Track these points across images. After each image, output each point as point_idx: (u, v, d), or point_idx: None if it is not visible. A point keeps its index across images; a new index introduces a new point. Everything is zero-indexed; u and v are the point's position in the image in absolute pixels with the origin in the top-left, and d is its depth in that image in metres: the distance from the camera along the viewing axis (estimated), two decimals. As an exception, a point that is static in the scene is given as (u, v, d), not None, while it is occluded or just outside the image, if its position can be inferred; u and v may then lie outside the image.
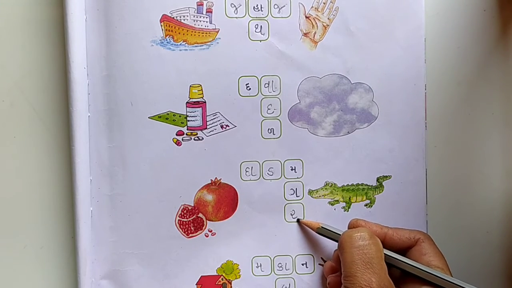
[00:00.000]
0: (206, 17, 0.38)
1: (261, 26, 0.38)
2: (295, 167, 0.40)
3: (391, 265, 0.35)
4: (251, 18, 0.38)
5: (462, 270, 0.42)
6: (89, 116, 0.38)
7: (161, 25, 0.38)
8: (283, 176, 0.40)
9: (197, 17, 0.38)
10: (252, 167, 0.39)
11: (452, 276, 0.35)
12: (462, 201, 0.42)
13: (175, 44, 0.38)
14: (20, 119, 0.39)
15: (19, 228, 0.39)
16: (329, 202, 0.40)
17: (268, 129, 0.39)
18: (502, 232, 0.42)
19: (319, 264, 0.40)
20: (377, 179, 0.40)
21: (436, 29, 0.40)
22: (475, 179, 0.41)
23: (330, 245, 0.40)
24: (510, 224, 0.42)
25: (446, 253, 0.41)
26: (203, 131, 0.39)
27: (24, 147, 0.39)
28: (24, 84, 0.39)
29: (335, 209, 0.40)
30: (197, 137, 0.39)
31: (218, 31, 0.38)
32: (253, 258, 0.40)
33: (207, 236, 0.40)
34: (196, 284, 0.40)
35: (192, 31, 0.38)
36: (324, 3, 0.39)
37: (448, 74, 0.41)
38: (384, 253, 0.34)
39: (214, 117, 0.39)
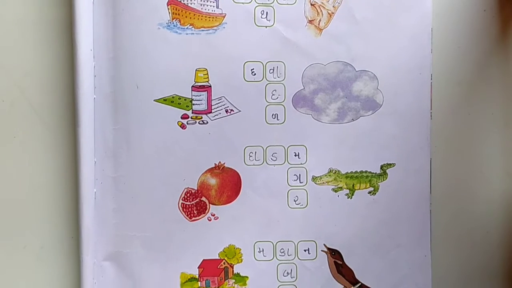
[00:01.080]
0: (213, 2, 0.38)
1: (267, 12, 0.39)
2: (298, 153, 0.40)
3: None
4: (257, 4, 0.39)
5: (462, 270, 0.42)
6: (94, 98, 0.38)
7: (168, 9, 0.38)
8: (286, 161, 0.40)
9: (204, 1, 0.38)
10: (255, 152, 0.39)
11: None
12: (462, 201, 0.41)
13: (181, 28, 0.38)
14: (20, 119, 0.39)
15: (19, 228, 0.40)
16: (333, 189, 0.40)
17: (272, 114, 0.39)
18: (502, 232, 0.42)
19: (322, 250, 0.40)
20: (381, 167, 0.40)
21: (436, 29, 0.40)
22: (475, 179, 0.41)
23: (334, 232, 0.40)
24: (510, 224, 0.42)
25: (446, 253, 0.41)
26: (208, 115, 0.39)
27: (24, 147, 0.39)
28: (24, 84, 0.39)
29: (338, 196, 0.40)
30: (202, 121, 0.39)
31: (225, 16, 0.38)
32: (256, 243, 0.40)
33: (209, 220, 0.40)
34: (198, 268, 0.40)
35: (199, 15, 0.38)
36: (330, -10, 0.39)
37: (448, 74, 0.41)
38: None
39: (219, 101, 0.39)
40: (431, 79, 0.40)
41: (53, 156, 0.39)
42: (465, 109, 0.41)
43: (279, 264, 0.40)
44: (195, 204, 0.39)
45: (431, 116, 0.40)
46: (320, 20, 0.39)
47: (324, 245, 0.40)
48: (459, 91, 0.41)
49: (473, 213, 0.41)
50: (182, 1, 0.38)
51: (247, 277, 0.40)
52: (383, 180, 0.40)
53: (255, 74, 0.39)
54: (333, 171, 0.40)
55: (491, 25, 0.40)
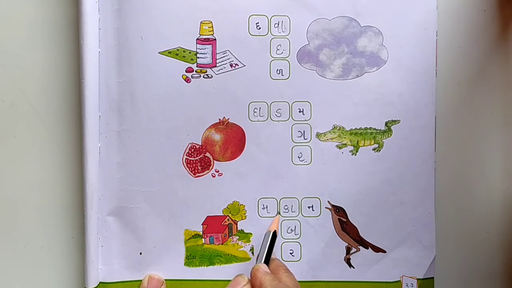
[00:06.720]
0: (218, -45, 0.38)
1: (272, -33, 0.39)
2: (303, 109, 0.40)
3: None
4: (262, -41, 0.38)
5: (462, 270, 0.42)
6: (99, 52, 0.38)
7: (173, -40, 0.38)
8: (291, 118, 0.40)
9: (208, -47, 0.38)
10: (260, 108, 0.39)
11: None
12: (462, 201, 0.41)
13: (186, -20, 0.38)
14: (20, 119, 0.39)
15: (19, 228, 0.40)
16: (337, 146, 0.40)
17: (277, 69, 0.39)
18: (502, 232, 0.42)
19: (326, 207, 0.40)
20: (386, 123, 0.40)
21: (436, 30, 0.40)
22: (475, 179, 0.41)
23: (338, 189, 0.40)
24: (510, 224, 0.42)
25: (446, 253, 0.41)
26: (213, 69, 0.39)
27: (24, 147, 0.39)
28: (24, 84, 0.39)
29: (342, 152, 0.40)
30: (206, 74, 0.39)
31: (229, -31, 0.38)
32: (259, 199, 0.40)
33: (213, 177, 0.39)
34: (202, 224, 0.40)
35: (203, -32, 0.38)
36: None
37: (448, 74, 0.41)
38: None
39: (223, 55, 0.39)
40: (436, 35, 0.40)
41: (54, 156, 0.39)
42: (465, 109, 0.41)
43: (283, 221, 0.40)
44: (199, 160, 0.39)
45: (436, 73, 0.40)
46: (325, -23, 0.39)
47: (328, 202, 0.40)
48: (459, 91, 0.41)
49: (473, 213, 0.41)
50: (187, -47, 0.38)
51: (251, 233, 0.40)
52: (388, 136, 0.40)
53: (260, 28, 0.39)
54: (338, 128, 0.40)
55: (491, 25, 0.40)
